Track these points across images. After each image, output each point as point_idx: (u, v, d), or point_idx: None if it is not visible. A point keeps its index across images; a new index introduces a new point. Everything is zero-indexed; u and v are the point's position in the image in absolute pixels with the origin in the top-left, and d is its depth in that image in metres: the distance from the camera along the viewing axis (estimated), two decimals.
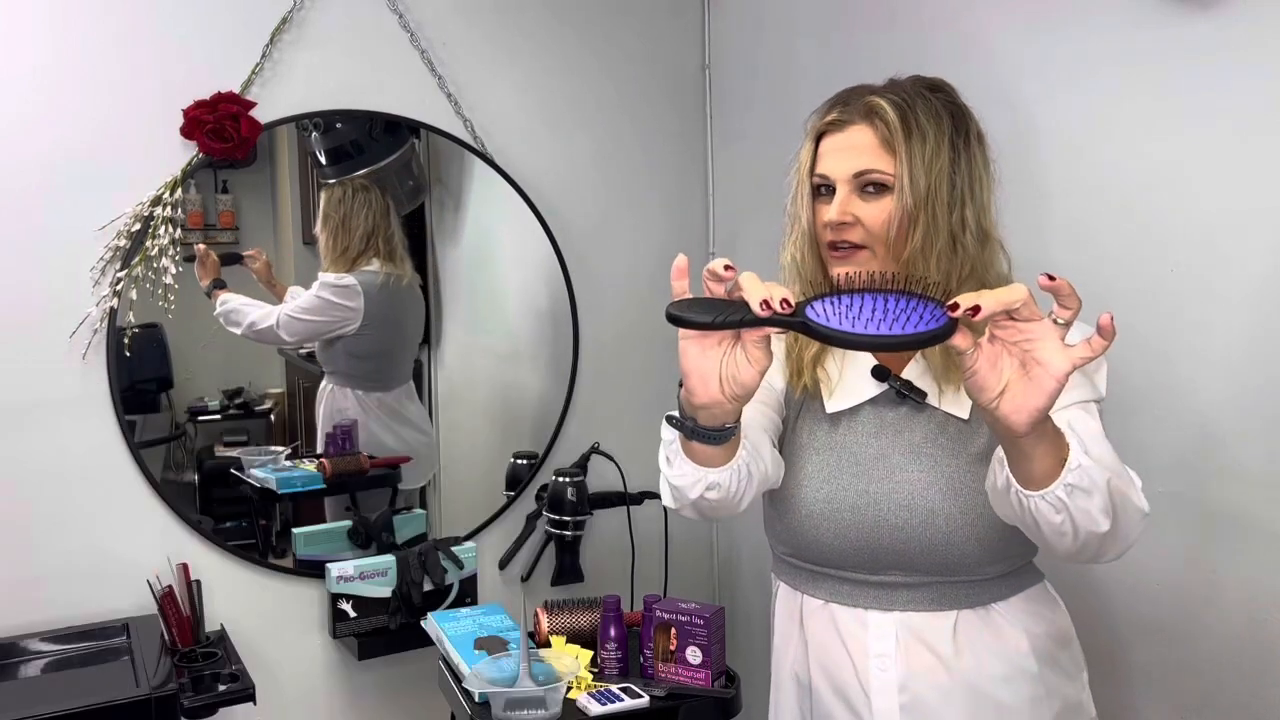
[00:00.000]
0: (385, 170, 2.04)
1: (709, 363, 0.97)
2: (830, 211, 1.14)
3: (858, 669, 1.19)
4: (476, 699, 1.50)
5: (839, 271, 1.15)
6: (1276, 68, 1.28)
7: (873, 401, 1.21)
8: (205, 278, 1.93)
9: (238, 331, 1.96)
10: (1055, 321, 0.91)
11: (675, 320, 0.95)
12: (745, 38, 2.25)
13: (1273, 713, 1.35)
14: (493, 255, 2.22)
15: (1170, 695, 1.47)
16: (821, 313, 0.88)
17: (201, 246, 1.92)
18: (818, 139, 1.19)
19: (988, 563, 1.17)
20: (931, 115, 1.13)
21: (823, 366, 1.23)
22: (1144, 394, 1.47)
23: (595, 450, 2.03)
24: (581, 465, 2.02)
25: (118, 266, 1.77)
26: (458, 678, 1.59)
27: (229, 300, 1.95)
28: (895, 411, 1.20)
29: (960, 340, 0.88)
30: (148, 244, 1.78)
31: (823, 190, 1.18)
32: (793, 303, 0.89)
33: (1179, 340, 1.42)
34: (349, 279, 2.02)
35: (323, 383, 2.05)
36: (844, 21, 1.96)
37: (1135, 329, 1.48)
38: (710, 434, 1.02)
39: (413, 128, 2.04)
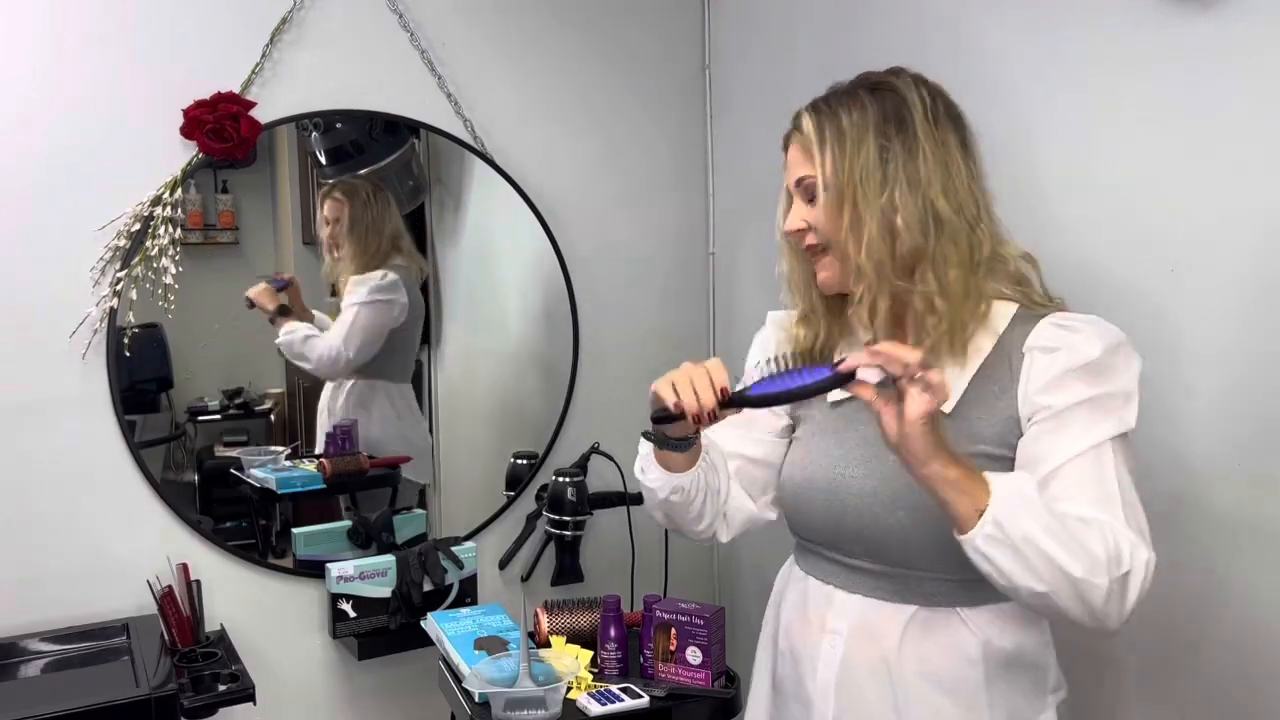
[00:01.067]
0: (385, 170, 2.04)
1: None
2: (788, 221, 1.24)
3: (814, 641, 1.25)
4: (476, 699, 1.50)
5: (820, 279, 1.24)
6: (1276, 68, 1.28)
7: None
8: (270, 304, 1.97)
9: (308, 367, 2.02)
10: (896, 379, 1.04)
11: (657, 424, 1.23)
12: (745, 38, 2.25)
13: (1273, 713, 1.34)
14: (493, 255, 2.22)
15: (1170, 695, 1.47)
16: (750, 391, 1.14)
17: (255, 291, 1.96)
18: (786, 148, 1.27)
19: (950, 564, 1.13)
20: (854, 111, 1.17)
21: (819, 347, 1.30)
22: (1144, 394, 1.47)
23: (595, 450, 2.03)
24: (581, 465, 2.02)
25: (118, 266, 1.78)
26: (458, 678, 1.59)
27: (295, 330, 2.00)
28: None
29: (859, 390, 1.07)
30: (148, 244, 1.78)
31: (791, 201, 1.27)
32: (716, 412, 1.14)
33: (1179, 340, 1.42)
34: (390, 275, 2.06)
35: (339, 381, 2.05)
36: (844, 21, 1.96)
37: (1135, 329, 1.47)
38: (676, 443, 1.23)
39: (413, 128, 2.04)
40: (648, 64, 2.29)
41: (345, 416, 2.05)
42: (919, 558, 1.18)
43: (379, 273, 2.05)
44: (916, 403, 1.02)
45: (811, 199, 1.20)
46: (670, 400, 1.16)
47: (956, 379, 1.17)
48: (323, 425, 2.06)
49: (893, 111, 1.17)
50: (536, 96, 2.16)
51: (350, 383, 2.07)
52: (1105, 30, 1.48)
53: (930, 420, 1.03)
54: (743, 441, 1.35)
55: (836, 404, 1.27)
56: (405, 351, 2.12)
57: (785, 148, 1.26)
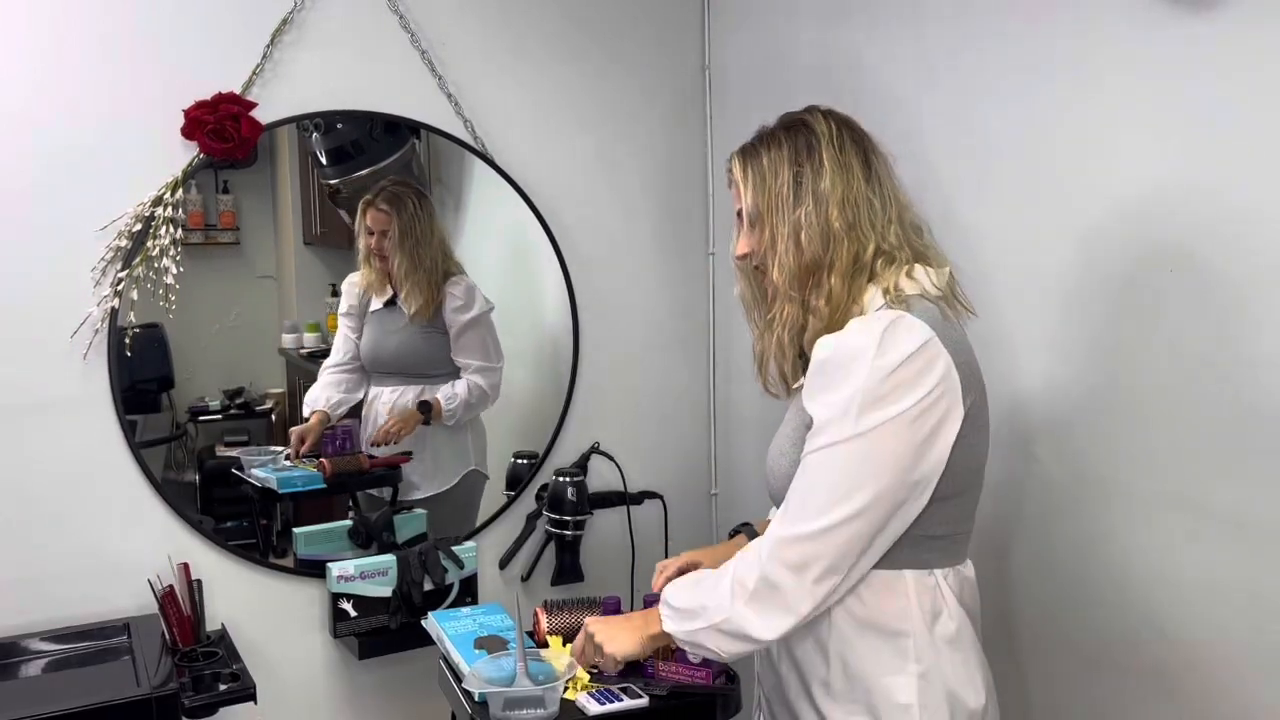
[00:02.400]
0: (386, 170, 2.04)
1: None
2: (735, 247, 1.43)
3: None
4: (475, 698, 1.51)
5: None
6: (1276, 68, 1.28)
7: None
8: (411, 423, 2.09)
9: (486, 409, 2.16)
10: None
11: None
12: (745, 38, 2.25)
13: (1272, 713, 1.35)
14: (493, 255, 2.22)
15: (1170, 695, 1.47)
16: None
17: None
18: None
19: None
20: (772, 149, 1.36)
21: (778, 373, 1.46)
22: (1143, 394, 1.47)
23: (595, 450, 2.03)
24: (581, 465, 2.02)
25: (119, 267, 1.78)
26: (458, 677, 1.59)
27: (454, 397, 2.11)
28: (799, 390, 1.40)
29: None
30: (149, 244, 1.78)
31: None
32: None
33: (1178, 340, 1.42)
34: (470, 280, 2.11)
35: (394, 387, 2.09)
36: (843, 21, 1.96)
37: (1135, 329, 1.48)
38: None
39: (413, 128, 2.04)
40: (648, 64, 2.29)
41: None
42: None
43: (466, 281, 2.09)
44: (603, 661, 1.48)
45: (747, 227, 1.39)
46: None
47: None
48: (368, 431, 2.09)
49: (804, 143, 1.35)
50: (537, 97, 2.16)
51: (403, 388, 2.08)
52: (1105, 30, 1.48)
53: (615, 658, 1.46)
54: None
55: (797, 389, 1.41)
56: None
57: (730, 186, 1.43)
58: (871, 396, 1.20)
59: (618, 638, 1.46)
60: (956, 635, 1.30)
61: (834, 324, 1.29)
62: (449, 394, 2.09)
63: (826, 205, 1.31)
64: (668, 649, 1.57)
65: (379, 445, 2.05)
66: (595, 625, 1.49)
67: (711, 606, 1.31)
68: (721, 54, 2.33)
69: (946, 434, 1.23)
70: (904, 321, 1.23)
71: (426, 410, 2.07)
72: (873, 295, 1.30)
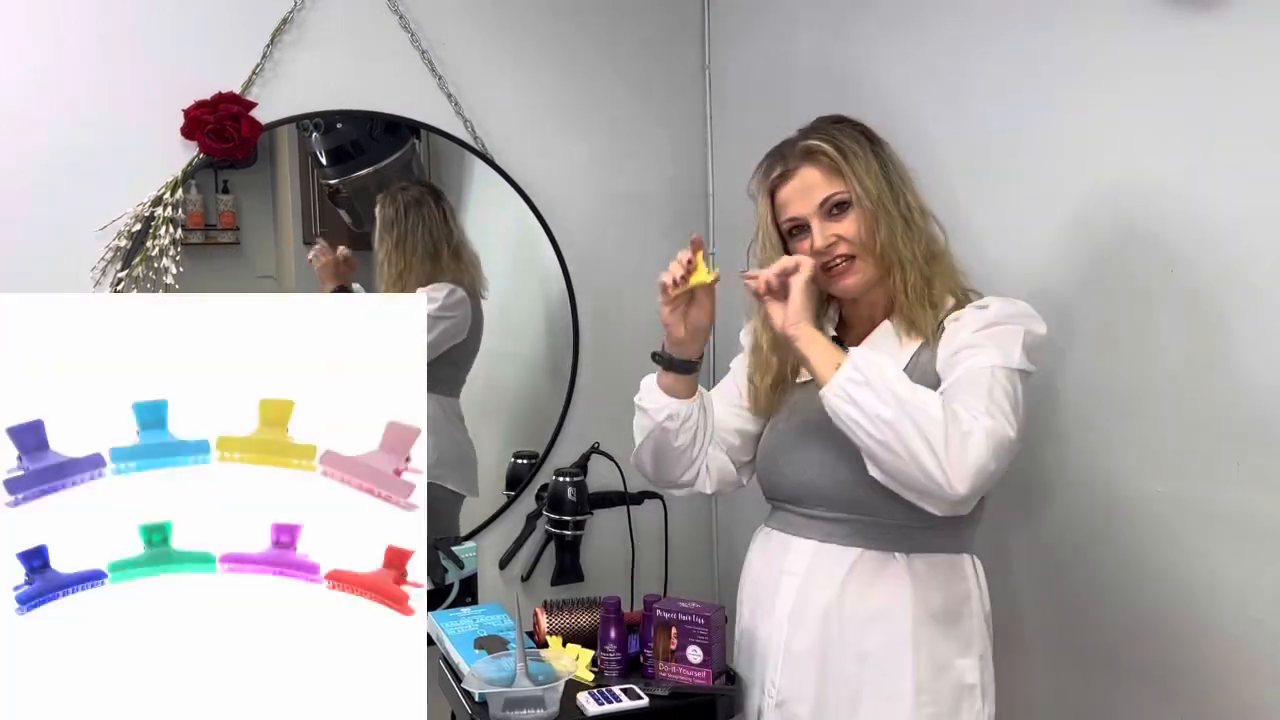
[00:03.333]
0: (386, 170, 2.04)
1: (677, 316, 1.41)
2: (815, 240, 1.37)
3: (772, 581, 1.45)
4: (475, 698, 1.51)
5: (841, 286, 1.39)
6: (1276, 68, 1.28)
7: None
8: (329, 282, 1.99)
9: None
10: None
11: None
12: (745, 38, 2.25)
13: (1272, 713, 1.34)
14: (493, 255, 2.21)
15: (1170, 695, 1.47)
16: None
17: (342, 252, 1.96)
18: (772, 192, 1.42)
19: (892, 508, 1.32)
20: (852, 138, 1.38)
21: (775, 380, 1.50)
22: (1143, 394, 1.47)
23: (595, 450, 2.03)
24: (581, 465, 2.01)
25: (118, 267, 1.78)
26: (458, 677, 1.59)
27: None
28: None
29: (752, 284, 1.35)
30: (148, 244, 1.79)
31: (794, 231, 1.41)
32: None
33: (1178, 340, 1.42)
34: (458, 290, 2.07)
35: None
36: (844, 21, 1.96)
37: (1134, 328, 1.48)
38: (682, 364, 1.43)
39: (413, 128, 2.04)
40: (648, 64, 2.29)
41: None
42: (862, 499, 1.35)
43: (445, 287, 2.05)
44: (797, 279, 1.31)
45: (838, 214, 1.37)
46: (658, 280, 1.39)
47: (898, 352, 1.37)
48: None
49: (874, 136, 1.40)
50: (537, 97, 2.16)
51: (432, 396, 2.08)
52: (1104, 30, 1.48)
53: (802, 294, 1.31)
54: (730, 416, 1.55)
55: (802, 384, 1.46)
56: (462, 366, 2.12)
57: (771, 191, 1.42)
58: (1027, 344, 1.31)
59: (796, 317, 1.31)
60: (991, 614, 1.40)
61: (916, 309, 1.37)
62: None
63: (913, 190, 1.39)
64: (668, 648, 1.57)
65: None
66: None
67: (917, 407, 1.22)
68: (721, 55, 2.33)
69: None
70: (1020, 303, 1.35)
71: None
72: (952, 281, 1.39)
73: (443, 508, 2.14)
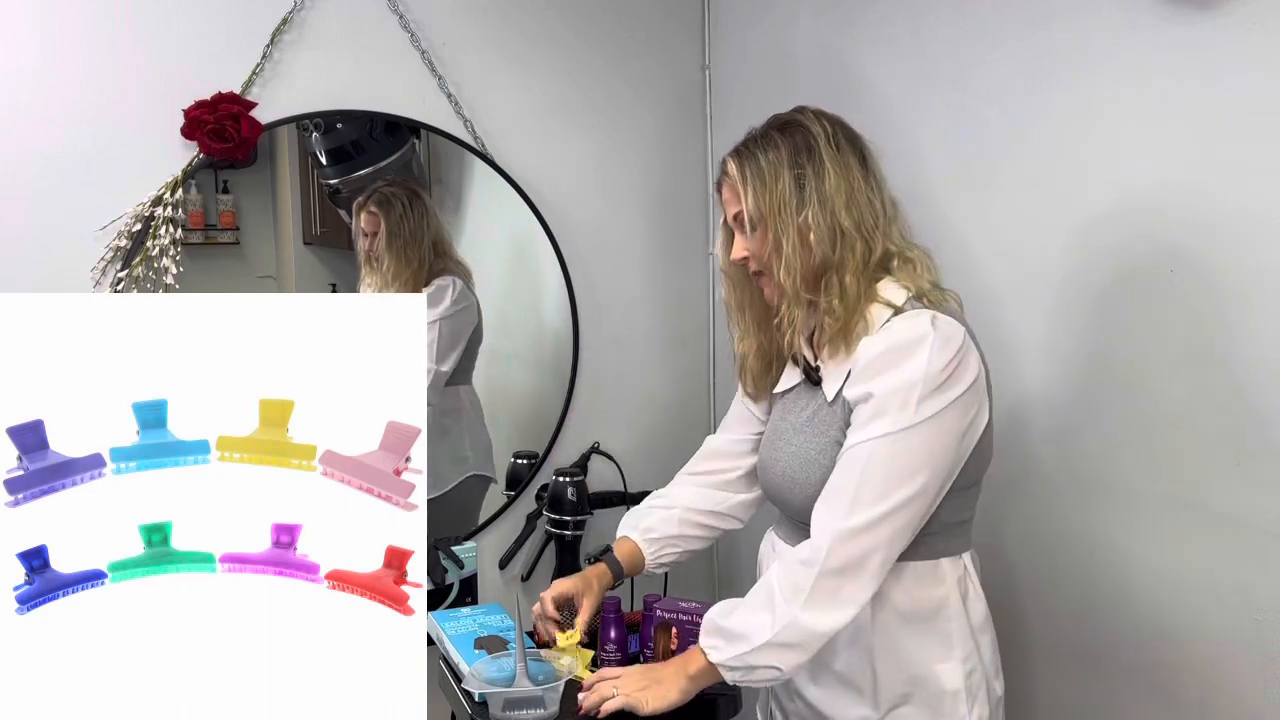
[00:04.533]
0: (386, 170, 2.04)
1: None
2: (735, 250, 1.40)
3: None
4: (476, 698, 1.51)
5: (766, 295, 1.41)
6: (1276, 68, 1.28)
7: (802, 383, 1.44)
8: None
9: None
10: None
11: None
12: (745, 37, 2.25)
13: (1272, 713, 1.35)
14: (493, 255, 2.22)
15: (1170, 695, 1.47)
16: None
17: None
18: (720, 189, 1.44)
19: None
20: (768, 149, 1.34)
21: (762, 376, 1.50)
22: (1143, 394, 1.47)
23: (595, 450, 2.03)
24: (581, 465, 2.02)
25: (118, 267, 1.78)
26: (458, 677, 1.59)
27: None
28: (804, 392, 1.43)
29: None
30: (148, 244, 1.79)
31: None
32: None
33: (1177, 340, 1.42)
34: (459, 282, 2.08)
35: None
36: (843, 21, 1.96)
37: (1134, 329, 1.48)
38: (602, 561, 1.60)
39: (413, 128, 2.04)
40: (648, 64, 2.29)
41: (435, 423, 2.07)
42: None
43: (447, 282, 2.06)
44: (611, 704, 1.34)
45: (745, 230, 1.37)
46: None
47: (841, 368, 1.33)
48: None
49: (802, 143, 1.34)
50: (537, 97, 2.17)
51: (458, 387, 2.10)
52: (1104, 29, 1.48)
53: (643, 699, 1.33)
54: (737, 444, 1.60)
55: (783, 393, 1.47)
56: (473, 355, 2.14)
57: (719, 190, 1.42)
58: (930, 387, 1.24)
59: (655, 690, 1.34)
60: (985, 618, 1.37)
61: (850, 322, 1.31)
62: None
63: (833, 206, 1.31)
64: (668, 648, 1.57)
65: None
66: (623, 684, 1.36)
67: (761, 623, 1.27)
68: (721, 54, 2.33)
69: (979, 423, 1.30)
70: (943, 317, 1.27)
71: None
72: (892, 292, 1.32)
73: (477, 497, 2.16)
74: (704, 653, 1.32)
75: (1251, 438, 1.34)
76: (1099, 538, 1.55)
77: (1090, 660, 1.58)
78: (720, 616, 1.32)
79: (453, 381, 2.10)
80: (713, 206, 2.38)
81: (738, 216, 1.38)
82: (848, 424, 1.31)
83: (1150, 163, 1.44)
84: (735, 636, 1.29)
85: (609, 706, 1.34)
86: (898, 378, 1.24)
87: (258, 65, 1.87)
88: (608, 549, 1.61)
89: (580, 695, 1.39)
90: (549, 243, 2.17)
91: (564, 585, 1.56)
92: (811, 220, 1.31)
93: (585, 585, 1.55)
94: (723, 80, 2.33)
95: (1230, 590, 1.38)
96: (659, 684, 1.34)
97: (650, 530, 1.59)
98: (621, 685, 1.36)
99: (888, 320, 1.30)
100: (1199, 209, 1.38)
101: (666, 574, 2.03)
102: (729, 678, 1.31)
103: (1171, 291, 1.42)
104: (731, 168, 1.37)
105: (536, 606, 1.56)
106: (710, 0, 2.33)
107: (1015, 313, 1.64)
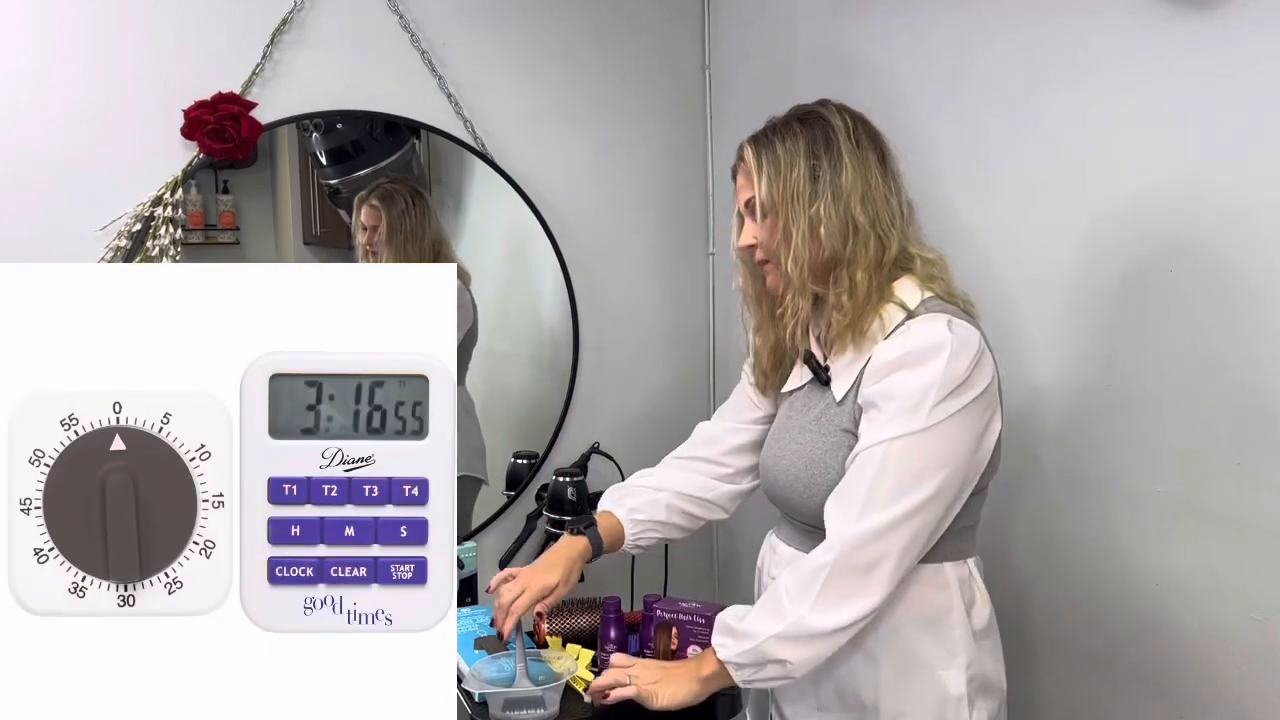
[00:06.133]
0: (386, 170, 2.04)
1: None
2: (743, 237, 1.40)
3: (763, 586, 1.48)
4: (476, 698, 1.51)
5: (769, 284, 1.41)
6: (1276, 68, 1.28)
7: (810, 383, 1.43)
8: None
9: None
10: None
11: None
12: (745, 38, 2.25)
13: (1272, 713, 1.34)
14: (492, 255, 2.22)
15: (1170, 695, 1.47)
16: None
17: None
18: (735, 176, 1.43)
19: None
20: (786, 138, 1.34)
21: (773, 371, 1.49)
22: (1143, 394, 1.47)
23: (595, 450, 2.03)
24: (581, 465, 2.02)
25: None
26: (458, 678, 1.59)
27: None
28: (814, 391, 1.42)
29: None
30: (148, 244, 1.79)
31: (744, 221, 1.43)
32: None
33: (1178, 340, 1.42)
34: (456, 282, 2.05)
35: None
36: (844, 21, 1.96)
37: (1134, 329, 1.48)
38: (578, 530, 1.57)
39: (413, 128, 2.04)
40: (648, 64, 2.29)
41: None
42: (823, 514, 1.33)
43: None
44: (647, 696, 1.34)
45: (757, 217, 1.36)
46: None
47: (850, 368, 1.33)
48: None
49: (820, 135, 1.34)
50: (537, 97, 2.16)
51: None
52: (1105, 30, 1.48)
53: (656, 692, 1.33)
54: (726, 426, 1.60)
55: (790, 393, 1.46)
56: (467, 354, 2.13)
57: (734, 176, 1.41)
58: (946, 390, 1.22)
59: (667, 686, 1.34)
60: (989, 622, 1.36)
61: (860, 320, 1.30)
62: None
63: (847, 200, 1.30)
64: (669, 648, 1.57)
65: None
66: (638, 674, 1.36)
67: (769, 621, 1.26)
68: (721, 53, 2.33)
69: (994, 427, 1.29)
70: (959, 322, 1.27)
71: None
72: (908, 293, 1.31)
73: (465, 498, 2.15)
74: (715, 652, 1.32)
75: (1254, 438, 1.34)
76: (1101, 538, 1.55)
77: (1093, 661, 1.58)
78: (733, 619, 1.32)
79: None
80: (713, 206, 2.38)
81: (749, 203, 1.37)
82: (856, 425, 1.30)
83: (1150, 163, 1.44)
84: (743, 634, 1.29)
85: (623, 693, 1.34)
86: (913, 380, 1.23)
87: (258, 65, 1.87)
88: (591, 523, 1.57)
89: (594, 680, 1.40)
90: (549, 243, 2.17)
91: (549, 579, 1.49)
92: (823, 213, 1.30)
93: (567, 575, 1.51)
94: (723, 80, 2.33)
95: (1231, 590, 1.38)
96: (672, 680, 1.34)
97: (636, 511, 1.57)
98: (636, 676, 1.35)
99: (901, 322, 1.29)
100: (1199, 209, 1.38)
101: (667, 574, 2.04)
102: (738, 676, 1.30)
103: (1172, 292, 1.42)
104: (748, 153, 1.37)
105: (520, 600, 1.48)
106: (710, 0, 2.33)
107: (1016, 315, 1.64)
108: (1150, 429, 1.47)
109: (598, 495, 2.02)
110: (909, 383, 1.24)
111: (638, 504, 1.58)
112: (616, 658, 1.41)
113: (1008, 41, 1.63)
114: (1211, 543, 1.40)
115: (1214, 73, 1.35)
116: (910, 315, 1.29)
